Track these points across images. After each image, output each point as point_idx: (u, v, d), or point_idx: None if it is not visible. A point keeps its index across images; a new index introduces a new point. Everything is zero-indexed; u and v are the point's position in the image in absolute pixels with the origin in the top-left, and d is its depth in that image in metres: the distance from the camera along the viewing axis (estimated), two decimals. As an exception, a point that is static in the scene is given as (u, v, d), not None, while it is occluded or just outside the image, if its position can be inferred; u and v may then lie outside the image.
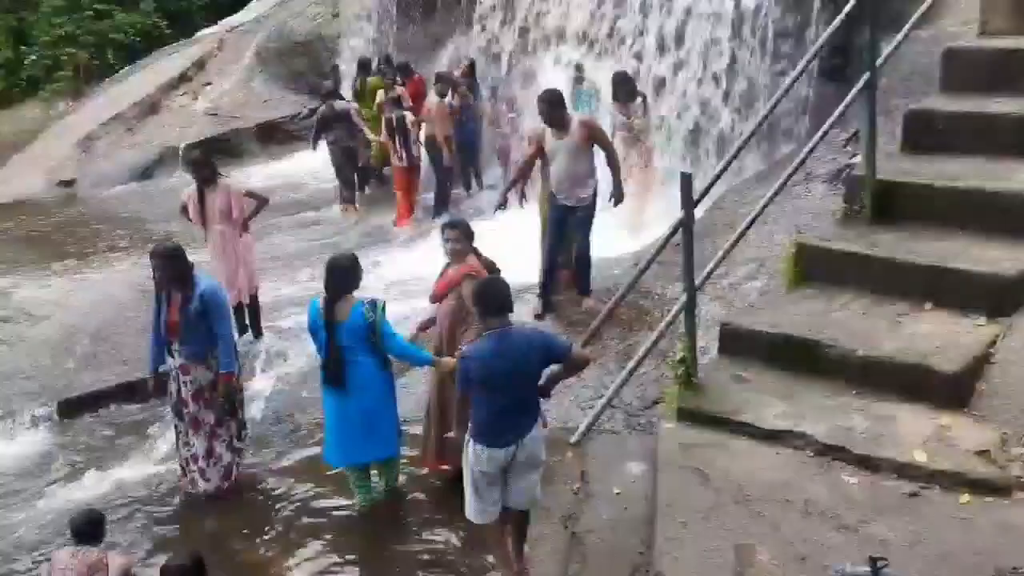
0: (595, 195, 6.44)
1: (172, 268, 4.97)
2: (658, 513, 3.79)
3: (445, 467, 4.87)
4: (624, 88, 7.96)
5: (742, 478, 3.85)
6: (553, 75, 9.63)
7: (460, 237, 4.79)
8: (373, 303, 4.66)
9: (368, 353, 4.64)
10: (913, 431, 3.90)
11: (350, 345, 4.60)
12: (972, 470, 3.64)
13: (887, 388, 4.15)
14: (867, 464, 3.80)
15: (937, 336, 4.23)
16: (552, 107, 6.22)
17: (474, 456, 3.85)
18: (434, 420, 4.93)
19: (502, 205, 6.79)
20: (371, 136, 10.66)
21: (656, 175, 8.39)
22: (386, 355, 4.74)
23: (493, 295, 3.87)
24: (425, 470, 5.11)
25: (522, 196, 6.92)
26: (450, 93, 10.11)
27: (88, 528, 4.17)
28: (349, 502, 4.95)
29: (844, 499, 3.63)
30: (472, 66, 10.97)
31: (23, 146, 15.47)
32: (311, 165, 12.39)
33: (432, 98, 10.03)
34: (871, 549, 3.29)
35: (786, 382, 4.38)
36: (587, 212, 6.40)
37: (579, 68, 9.47)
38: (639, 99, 8.03)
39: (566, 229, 6.48)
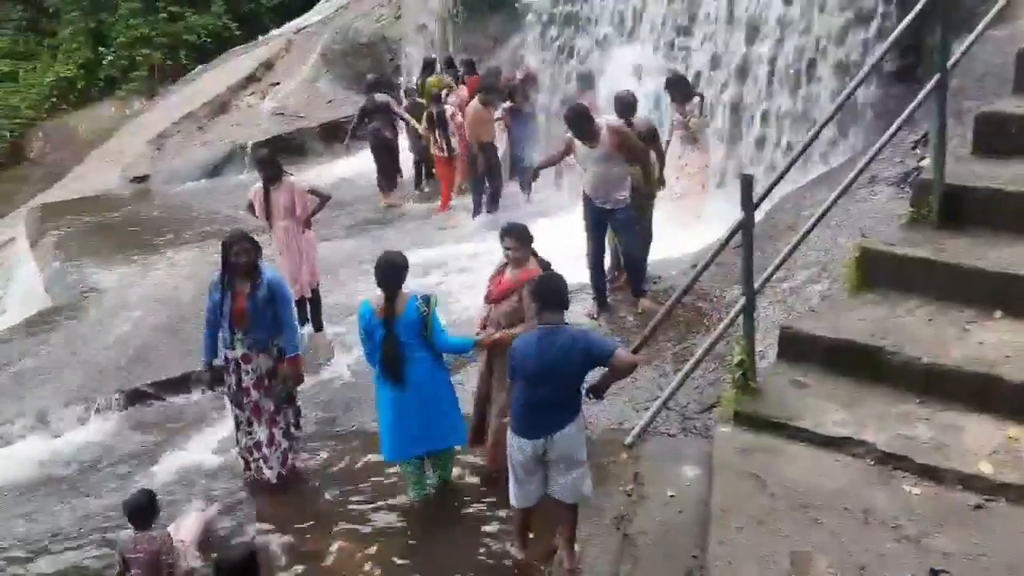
0: (629, 195, 6.43)
1: (255, 253, 5.11)
2: (713, 517, 3.76)
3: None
4: (679, 88, 7.88)
5: (800, 484, 3.79)
6: (618, 75, 9.60)
7: (517, 244, 4.84)
8: (426, 298, 4.75)
9: (424, 347, 4.74)
10: (979, 442, 3.79)
11: (407, 340, 4.69)
12: (1041, 484, 3.53)
13: (953, 397, 4.04)
14: (931, 474, 3.71)
15: (1006, 345, 4.10)
16: (579, 120, 6.17)
17: (511, 445, 4.12)
18: (475, 409, 5.06)
19: (528, 185, 7.41)
20: (420, 130, 10.82)
21: (711, 175, 8.31)
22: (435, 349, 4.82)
23: (553, 291, 4.07)
24: (479, 461, 5.17)
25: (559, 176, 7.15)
26: (497, 101, 9.88)
27: (140, 512, 4.30)
28: (401, 500, 5.04)
29: (906, 510, 3.56)
30: (528, 76, 10.83)
31: (100, 143, 16.11)
32: (372, 165, 12.60)
33: (473, 104, 9.91)
34: (933, 562, 3.23)
35: (847, 388, 4.30)
36: (626, 213, 6.40)
37: (641, 69, 9.42)
38: (695, 99, 7.94)
39: (606, 231, 6.55)
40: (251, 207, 7.05)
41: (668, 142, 7.93)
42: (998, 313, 4.34)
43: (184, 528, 4.66)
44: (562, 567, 4.15)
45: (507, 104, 10.03)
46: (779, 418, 4.22)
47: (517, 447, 4.06)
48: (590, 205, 6.46)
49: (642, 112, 7.53)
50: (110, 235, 10.50)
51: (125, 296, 8.38)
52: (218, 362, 5.26)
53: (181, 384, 6.63)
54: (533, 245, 4.93)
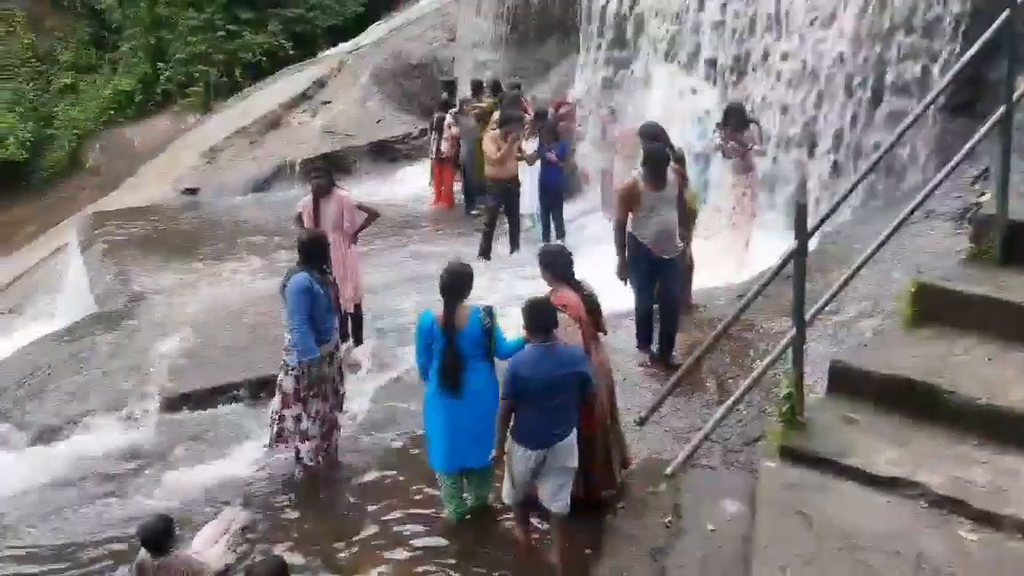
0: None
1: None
2: (755, 555, 3.64)
3: None
4: (737, 115, 7.80)
5: (848, 525, 3.65)
6: (666, 97, 9.57)
7: (542, 270, 4.83)
8: (488, 309, 4.76)
9: (483, 359, 4.73)
10: (1041, 489, 3.62)
11: (469, 352, 4.65)
12: (1107, 536, 3.35)
13: (1012, 440, 3.88)
14: (988, 520, 3.55)
15: (1071, 389, 3.93)
16: (659, 164, 5.83)
17: (515, 455, 4.30)
18: None
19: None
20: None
21: (759, 206, 8.19)
22: (492, 362, 4.81)
23: (536, 315, 4.25)
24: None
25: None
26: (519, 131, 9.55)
27: (154, 537, 4.22)
28: (434, 518, 4.97)
29: (962, 556, 3.40)
30: (562, 105, 10.80)
31: (154, 156, 16.49)
32: (419, 184, 12.72)
33: (489, 135, 9.55)
34: (991, 612, 3.07)
35: (900, 427, 4.15)
36: (680, 261, 6.16)
37: (693, 92, 9.36)
38: (752, 126, 7.84)
39: (656, 280, 6.01)
40: (299, 218, 7.07)
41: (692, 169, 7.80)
42: (1062, 355, 4.17)
43: (206, 536, 4.64)
44: (524, 541, 4.54)
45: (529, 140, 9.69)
46: (828, 454, 4.08)
47: (522, 456, 4.27)
48: (647, 257, 5.89)
49: (682, 136, 7.55)
50: (160, 244, 10.67)
51: (171, 304, 8.49)
52: (313, 358, 5.37)
53: (220, 393, 6.65)
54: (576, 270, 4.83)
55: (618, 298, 5.93)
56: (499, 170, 9.41)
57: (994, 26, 4.56)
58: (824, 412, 4.41)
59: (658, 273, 5.95)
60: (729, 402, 4.59)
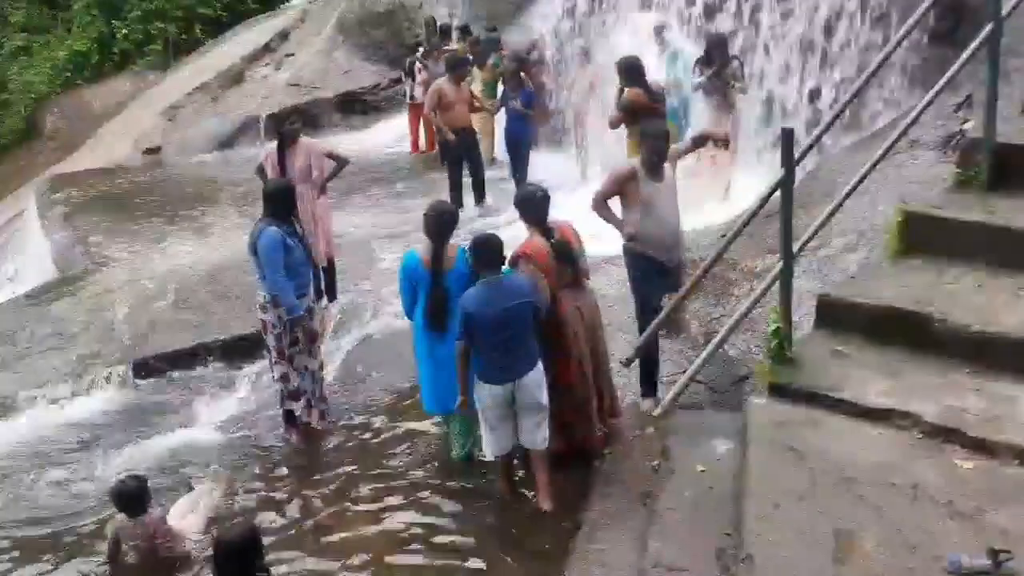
0: None
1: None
2: (748, 493, 3.55)
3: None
4: (720, 49, 7.54)
5: (841, 458, 3.57)
6: (632, 37, 9.27)
7: (519, 214, 4.69)
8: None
9: None
10: (1036, 414, 3.55)
11: (455, 292, 4.57)
12: (1105, 459, 3.28)
13: (1005, 367, 3.80)
14: (983, 448, 3.48)
15: (1064, 312, 3.85)
16: (661, 142, 4.85)
17: (480, 394, 4.29)
18: None
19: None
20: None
21: (740, 144, 8.00)
22: None
23: (484, 251, 4.28)
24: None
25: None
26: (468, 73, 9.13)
27: (129, 499, 4.15)
28: (416, 474, 4.85)
29: (958, 485, 3.33)
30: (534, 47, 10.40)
31: (113, 117, 15.94)
32: (389, 137, 12.39)
33: (440, 82, 8.85)
34: (990, 540, 3.00)
35: (890, 358, 4.06)
36: (682, 269, 5.12)
37: (661, 29, 9.06)
38: (734, 63, 7.61)
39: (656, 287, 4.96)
40: (261, 170, 6.74)
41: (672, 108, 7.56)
42: (1054, 279, 4.08)
43: (180, 509, 4.48)
44: (508, 493, 4.48)
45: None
46: (818, 389, 3.99)
47: (488, 394, 4.27)
48: (648, 265, 4.90)
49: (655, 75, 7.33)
50: (122, 206, 10.29)
51: (134, 267, 8.19)
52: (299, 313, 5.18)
53: (190, 357, 6.42)
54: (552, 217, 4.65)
55: (603, 241, 5.73)
56: (450, 117, 8.73)
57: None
58: (812, 347, 4.31)
59: (660, 283, 4.90)
60: (716, 340, 4.47)
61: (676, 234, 4.97)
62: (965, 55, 4.62)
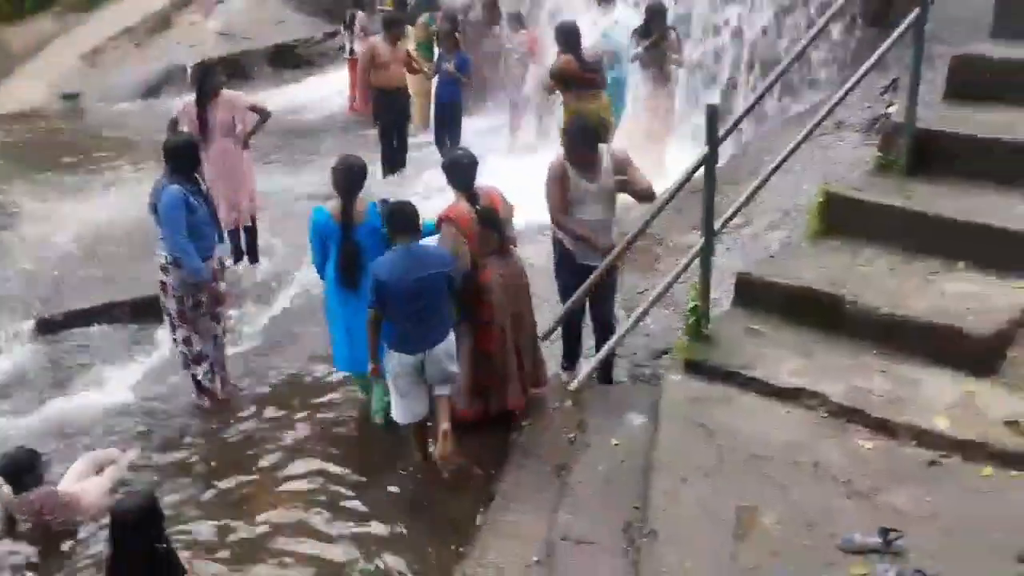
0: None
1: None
2: (655, 467, 3.57)
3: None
4: (659, 19, 7.47)
5: (750, 436, 3.61)
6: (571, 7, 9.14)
7: (446, 179, 4.58)
8: (385, 201, 4.67)
9: (381, 253, 4.55)
10: (937, 397, 3.65)
11: (366, 246, 4.55)
12: (998, 441, 3.40)
13: (912, 350, 3.88)
14: (885, 429, 3.56)
15: (969, 297, 3.95)
16: (584, 137, 4.54)
17: (391, 362, 4.25)
18: None
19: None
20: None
21: (676, 117, 7.99)
22: None
23: (398, 217, 4.20)
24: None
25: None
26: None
27: (15, 472, 3.98)
28: (326, 448, 4.75)
29: (858, 464, 3.40)
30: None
31: (31, 59, 15.09)
32: (323, 92, 12.03)
33: (373, 41, 8.59)
34: (884, 519, 3.08)
35: (804, 338, 4.12)
36: (614, 276, 4.83)
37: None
38: (672, 33, 7.56)
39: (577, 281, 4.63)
40: (174, 125, 6.36)
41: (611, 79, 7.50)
42: (962, 264, 4.18)
43: (76, 471, 4.29)
44: (423, 456, 4.42)
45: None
46: (731, 367, 4.02)
47: (398, 362, 4.22)
48: (569, 266, 4.69)
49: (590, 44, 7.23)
50: (36, 154, 9.80)
51: (45, 219, 7.80)
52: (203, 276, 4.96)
53: (99, 315, 6.14)
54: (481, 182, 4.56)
55: (534, 208, 5.64)
56: (385, 76, 8.37)
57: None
58: (729, 324, 4.34)
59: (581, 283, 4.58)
60: (634, 316, 4.46)
61: (607, 240, 4.58)
62: (890, 39, 4.65)
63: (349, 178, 4.59)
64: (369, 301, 4.18)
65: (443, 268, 4.17)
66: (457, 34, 8.94)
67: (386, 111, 8.51)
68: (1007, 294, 3.92)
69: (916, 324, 3.87)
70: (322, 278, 4.79)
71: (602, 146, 4.65)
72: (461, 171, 4.49)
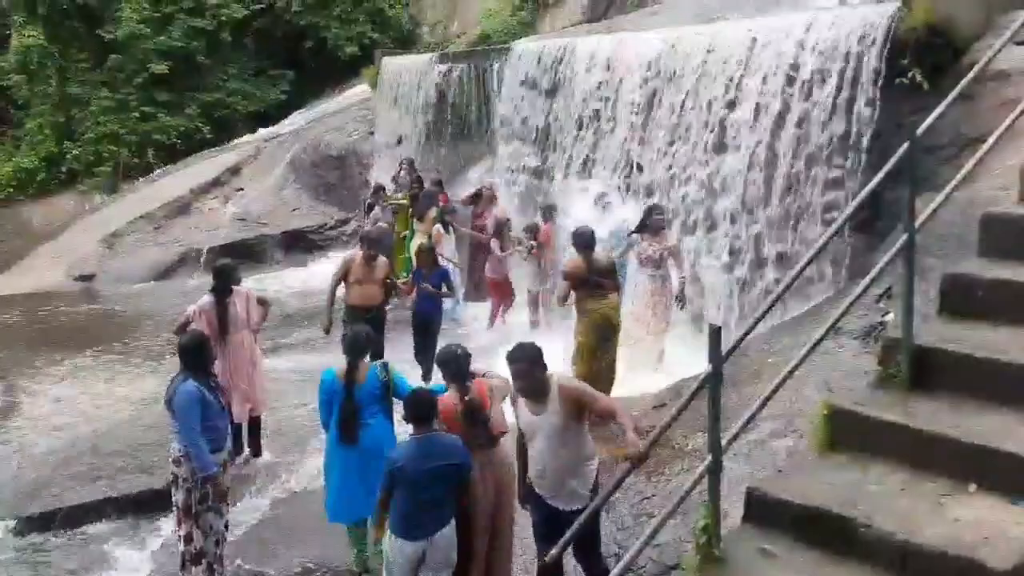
0: (595, 487, 4.50)
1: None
2: None
3: None
4: (658, 219, 7.84)
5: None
6: (581, 205, 9.63)
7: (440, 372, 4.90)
8: (384, 365, 5.35)
9: (381, 413, 5.23)
10: (960, 634, 3.49)
11: (366, 405, 5.14)
12: None
13: (930, 581, 3.75)
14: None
15: (984, 524, 3.86)
16: (530, 367, 4.23)
17: (391, 546, 4.35)
18: None
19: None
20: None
21: (674, 314, 8.19)
22: (392, 420, 5.27)
23: (412, 407, 4.47)
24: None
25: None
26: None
27: None
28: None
29: None
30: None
31: (54, 237, 15.69)
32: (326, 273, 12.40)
33: (350, 258, 8.16)
34: None
35: (818, 562, 3.99)
36: (590, 522, 4.14)
37: (604, 197, 9.47)
38: (669, 233, 7.91)
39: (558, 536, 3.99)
40: (183, 328, 6.29)
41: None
42: (972, 487, 4.12)
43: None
44: None
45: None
46: (745, 594, 3.88)
47: (398, 549, 4.31)
48: (535, 504, 4.44)
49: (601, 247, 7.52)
50: (43, 336, 10.00)
51: (46, 405, 7.81)
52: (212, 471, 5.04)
53: (93, 511, 6.00)
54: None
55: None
56: (356, 294, 7.78)
57: (896, 156, 4.69)
58: (741, 544, 4.22)
59: (557, 530, 4.07)
60: (643, 537, 4.33)
61: (560, 470, 4.24)
62: (883, 262, 4.84)
63: (355, 344, 5.22)
64: (382, 484, 4.41)
65: (456, 460, 4.36)
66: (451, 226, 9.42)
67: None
68: (1021, 522, 3.84)
69: (932, 553, 3.76)
70: (326, 431, 5.30)
71: (551, 375, 4.39)
72: (454, 363, 4.74)
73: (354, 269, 7.82)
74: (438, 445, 4.35)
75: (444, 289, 8.57)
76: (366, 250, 7.92)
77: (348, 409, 5.07)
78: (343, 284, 7.90)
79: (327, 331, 7.83)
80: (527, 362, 4.28)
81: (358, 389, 5.09)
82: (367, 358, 5.29)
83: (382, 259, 8.06)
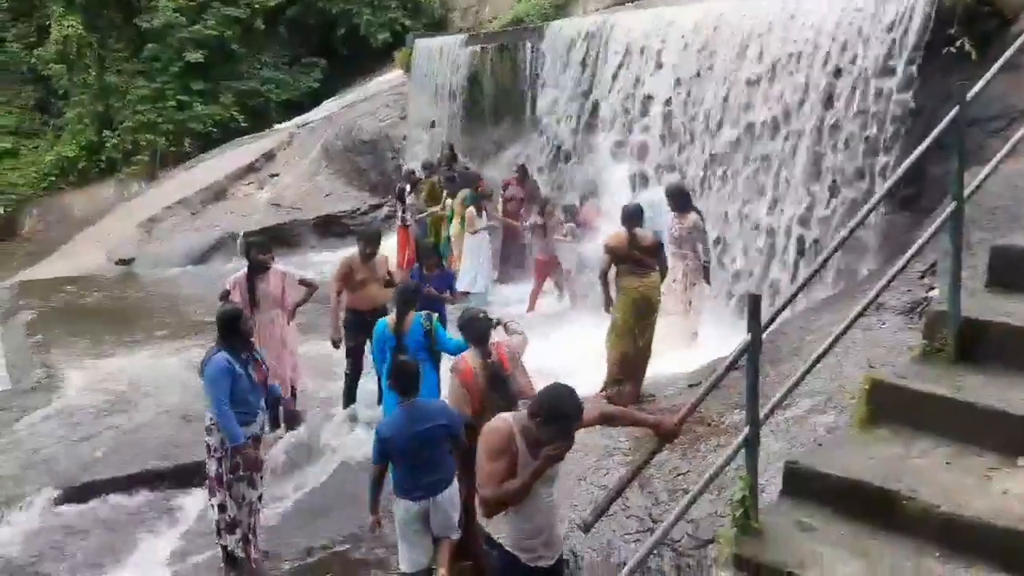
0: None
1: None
2: None
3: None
4: (677, 199, 7.73)
5: (808, 647, 3.35)
6: (618, 185, 9.54)
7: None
8: (428, 315, 6.01)
9: (428, 361, 5.83)
10: (1009, 609, 3.39)
11: (413, 352, 5.62)
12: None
13: (976, 552, 3.63)
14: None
15: (1034, 498, 3.75)
16: (560, 422, 3.49)
17: (398, 510, 4.59)
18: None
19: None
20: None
21: (706, 292, 8.07)
22: (437, 369, 5.94)
23: (400, 378, 4.67)
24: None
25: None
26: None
27: None
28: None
29: None
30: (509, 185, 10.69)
31: (93, 223, 15.98)
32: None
33: (349, 260, 7.53)
34: None
35: (859, 535, 3.90)
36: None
37: (643, 177, 9.36)
38: (693, 215, 7.78)
39: None
40: (226, 295, 6.61)
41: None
42: (1021, 460, 4.00)
43: None
44: None
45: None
46: (785, 566, 3.78)
47: (404, 510, 4.56)
48: (516, 569, 3.70)
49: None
50: (85, 317, 10.16)
51: (88, 385, 7.94)
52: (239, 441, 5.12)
53: (137, 482, 6.11)
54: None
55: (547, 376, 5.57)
56: (361, 297, 7.23)
57: (945, 120, 4.54)
58: (779, 517, 4.14)
59: None
60: (679, 508, 4.26)
61: (551, 538, 3.80)
62: (929, 233, 4.70)
63: (403, 298, 5.99)
64: (373, 458, 4.65)
65: (442, 421, 4.55)
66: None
67: (357, 332, 7.18)
68: (1073, 496, 3.72)
69: (979, 526, 3.66)
70: (381, 379, 5.90)
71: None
72: (477, 326, 4.93)
73: (356, 270, 7.31)
74: (422, 410, 4.57)
75: (447, 294, 7.97)
76: (363, 248, 7.35)
77: (399, 355, 5.38)
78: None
79: (336, 345, 7.13)
80: (577, 420, 3.55)
81: (406, 336, 5.82)
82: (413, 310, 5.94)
83: (380, 256, 7.48)
